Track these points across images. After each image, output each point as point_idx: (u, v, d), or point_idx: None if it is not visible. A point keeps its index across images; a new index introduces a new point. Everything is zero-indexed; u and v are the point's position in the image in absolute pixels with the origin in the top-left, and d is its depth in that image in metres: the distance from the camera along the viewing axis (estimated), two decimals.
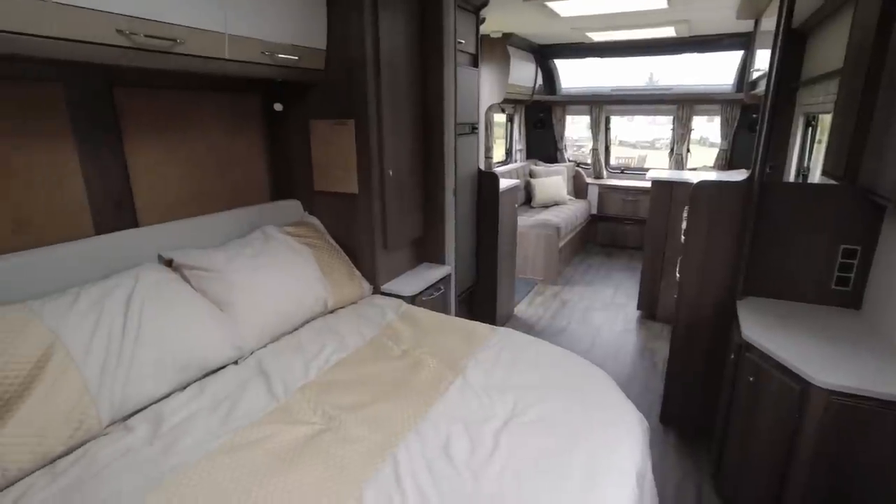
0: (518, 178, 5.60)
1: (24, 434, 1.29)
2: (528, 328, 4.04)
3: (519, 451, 1.45)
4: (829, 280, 2.26)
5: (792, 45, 4.05)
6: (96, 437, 1.46)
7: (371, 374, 1.85)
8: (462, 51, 2.96)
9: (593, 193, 6.16)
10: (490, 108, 4.78)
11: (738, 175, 2.68)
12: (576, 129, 7.17)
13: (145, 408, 1.60)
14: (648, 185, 5.57)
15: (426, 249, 2.92)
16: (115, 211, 1.96)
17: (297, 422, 1.57)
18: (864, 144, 2.08)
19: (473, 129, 3.21)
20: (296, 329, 2.16)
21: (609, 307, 4.44)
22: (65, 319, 1.51)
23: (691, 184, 2.58)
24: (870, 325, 2.10)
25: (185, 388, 1.72)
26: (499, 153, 6.05)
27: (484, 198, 3.39)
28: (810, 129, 3.93)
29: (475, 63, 3.18)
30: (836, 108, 2.51)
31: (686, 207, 2.66)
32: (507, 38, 4.37)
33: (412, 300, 2.56)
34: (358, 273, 2.49)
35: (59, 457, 1.38)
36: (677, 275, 2.70)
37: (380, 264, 2.56)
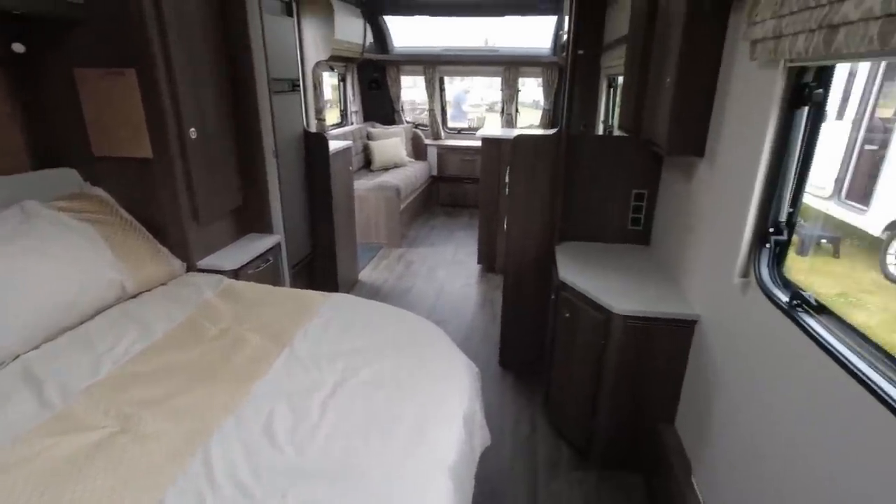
0: (355, 140, 5.43)
1: None
2: (374, 292, 4.01)
3: (347, 415, 1.40)
4: (626, 221, 2.58)
5: (595, 12, 4.45)
6: None
7: (182, 360, 1.63)
8: None
9: (432, 154, 6.25)
10: (318, 66, 4.48)
11: None
12: (419, 92, 7.15)
13: None
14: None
15: (250, 219, 2.65)
16: None
17: (80, 429, 1.31)
18: (644, 102, 2.37)
19: (294, 86, 2.97)
20: (84, 321, 1.81)
21: (451, 265, 4.60)
22: None
23: None
24: (655, 257, 2.45)
25: None
26: (334, 116, 5.78)
27: (313, 161, 3.20)
28: (612, 90, 4.41)
29: (289, 12, 2.90)
30: (625, 70, 2.82)
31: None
32: None
33: (235, 275, 2.32)
34: (165, 250, 2.17)
35: None
36: (505, 227, 2.86)
37: (192, 238, 2.26)
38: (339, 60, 5.19)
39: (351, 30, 4.84)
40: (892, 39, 0.92)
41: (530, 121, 6.74)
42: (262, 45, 2.39)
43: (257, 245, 2.54)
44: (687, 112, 1.90)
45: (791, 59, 1.29)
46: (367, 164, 5.60)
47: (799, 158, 1.37)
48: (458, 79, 8.05)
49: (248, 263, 2.41)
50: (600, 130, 4.52)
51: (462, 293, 4.04)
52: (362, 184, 4.84)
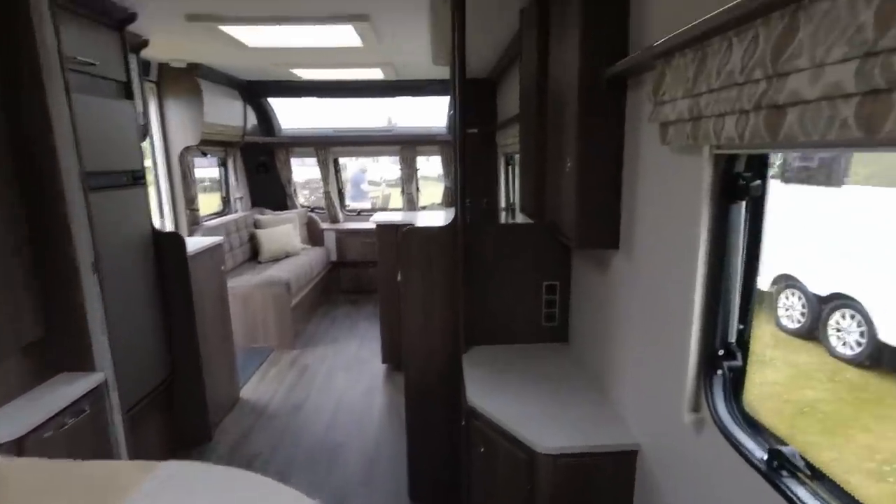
0: (239, 230, 4.84)
1: None
2: (259, 411, 3.32)
3: None
4: (540, 317, 2.25)
5: (484, 90, 4.42)
6: None
7: None
8: (96, 75, 2.18)
9: (331, 239, 5.78)
10: (188, 151, 3.96)
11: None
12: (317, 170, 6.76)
13: None
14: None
15: (60, 355, 1.97)
16: None
17: None
18: (545, 185, 2.12)
19: (136, 178, 2.42)
20: None
21: (353, 365, 4.03)
22: None
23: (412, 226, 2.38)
24: (576, 357, 2.12)
25: None
26: (215, 203, 5.19)
27: (167, 266, 2.60)
28: (510, 167, 4.31)
29: (128, 94, 2.42)
30: (521, 149, 2.62)
31: None
32: (196, 69, 3.68)
33: (18, 445, 1.63)
34: None
35: None
36: (402, 335, 2.42)
37: None
38: (216, 144, 4.69)
39: (227, 112, 4.40)
40: (885, 124, 0.65)
41: (433, 198, 6.56)
42: (73, 134, 1.86)
43: (65, 392, 1.86)
44: (594, 201, 1.64)
45: (718, 145, 1.04)
46: (255, 255, 4.99)
47: (743, 262, 1.09)
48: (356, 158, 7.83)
49: (44, 423, 1.73)
50: (503, 209, 4.37)
51: (365, 402, 3.47)
52: (246, 280, 4.23)
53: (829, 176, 4.04)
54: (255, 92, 4.99)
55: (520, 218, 3.38)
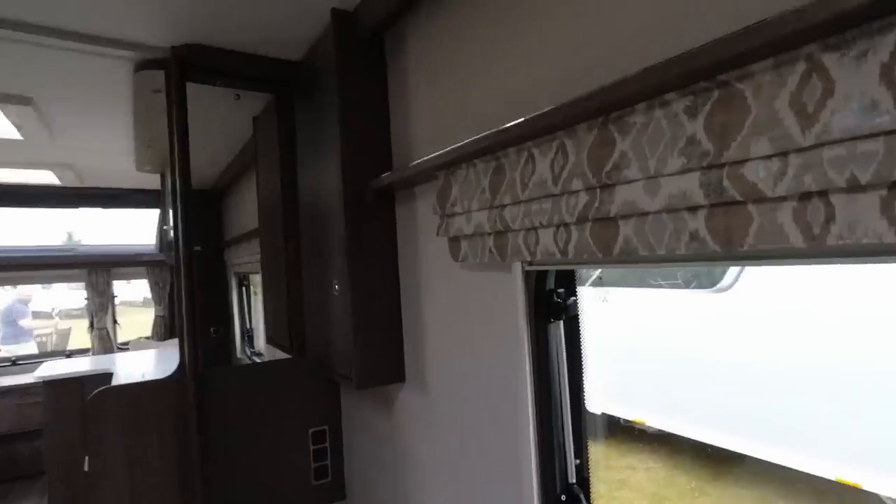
0: None
1: None
2: None
3: None
4: (309, 475, 1.78)
5: (210, 204, 3.89)
6: None
7: None
8: None
9: None
10: None
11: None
12: None
13: None
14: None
15: None
16: None
17: None
18: (300, 310, 1.79)
19: None
20: None
21: None
22: None
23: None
24: None
25: None
26: None
27: None
28: (244, 288, 3.76)
29: None
30: (264, 269, 2.23)
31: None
32: None
33: None
34: None
35: None
36: None
37: None
38: None
39: None
40: (746, 237, 0.60)
41: (141, 329, 5.23)
42: None
43: None
44: (373, 328, 1.39)
45: (531, 261, 0.93)
46: None
47: (568, 387, 0.98)
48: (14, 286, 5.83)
49: None
50: (238, 338, 3.71)
51: None
52: None
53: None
54: None
55: (265, 349, 2.86)
